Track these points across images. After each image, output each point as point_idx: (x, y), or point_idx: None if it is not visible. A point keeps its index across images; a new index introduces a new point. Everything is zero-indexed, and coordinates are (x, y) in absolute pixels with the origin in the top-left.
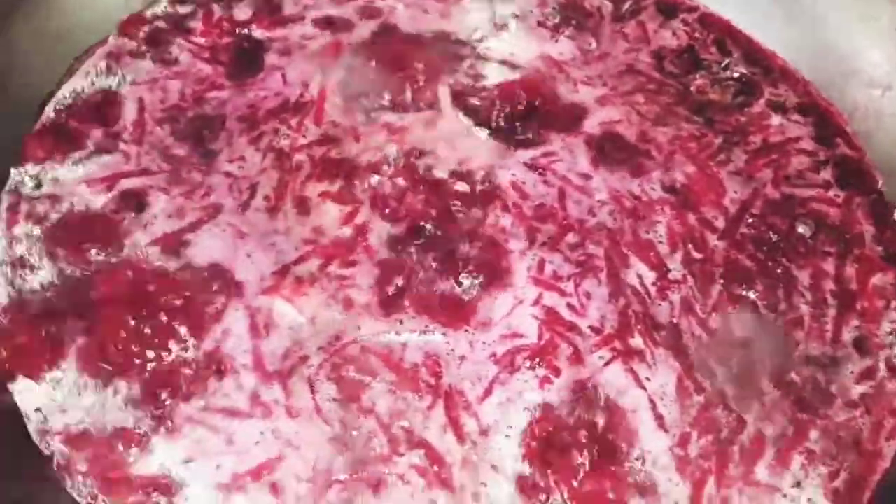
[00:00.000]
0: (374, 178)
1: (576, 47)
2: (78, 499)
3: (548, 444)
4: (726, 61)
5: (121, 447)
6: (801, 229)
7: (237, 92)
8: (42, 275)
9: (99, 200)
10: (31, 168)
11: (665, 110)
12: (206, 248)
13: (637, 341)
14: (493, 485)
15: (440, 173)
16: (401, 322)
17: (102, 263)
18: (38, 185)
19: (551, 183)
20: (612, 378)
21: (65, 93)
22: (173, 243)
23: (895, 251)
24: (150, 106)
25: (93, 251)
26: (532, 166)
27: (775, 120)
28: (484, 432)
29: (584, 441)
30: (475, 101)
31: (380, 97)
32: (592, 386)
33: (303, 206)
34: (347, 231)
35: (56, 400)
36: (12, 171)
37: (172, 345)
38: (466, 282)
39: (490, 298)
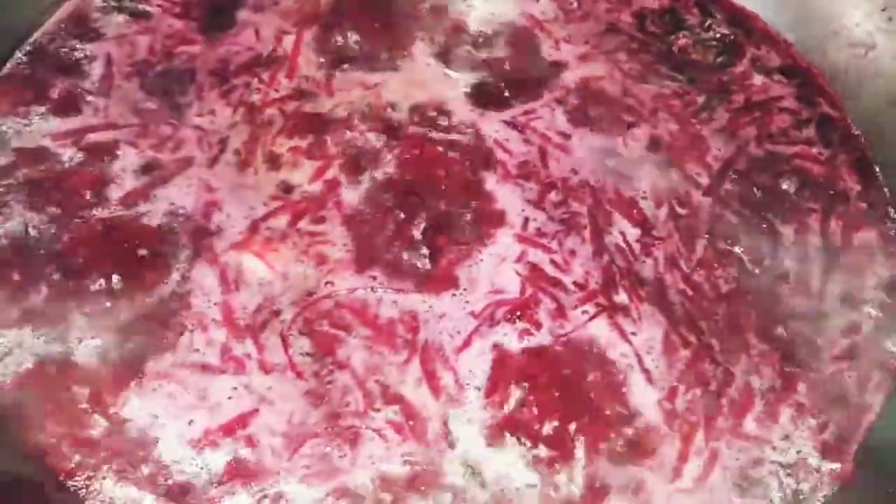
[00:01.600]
0: (347, 134)
1: (557, 7)
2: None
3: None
4: (708, 22)
5: (87, 399)
6: (785, 185)
7: (208, 47)
8: (9, 227)
9: (66, 154)
10: None
11: (647, 68)
12: (176, 201)
13: (622, 297)
14: (465, 437)
15: (417, 129)
16: (374, 278)
17: (70, 217)
18: (1, 140)
19: (531, 141)
20: (597, 332)
21: (30, 45)
22: (142, 197)
23: (879, 208)
24: (118, 60)
25: (60, 204)
26: (512, 124)
27: (757, 80)
28: (460, 385)
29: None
30: (453, 57)
31: (355, 52)
32: (575, 339)
33: (273, 161)
34: (318, 187)
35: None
36: None
37: (140, 296)
38: (445, 248)
39: (472, 257)
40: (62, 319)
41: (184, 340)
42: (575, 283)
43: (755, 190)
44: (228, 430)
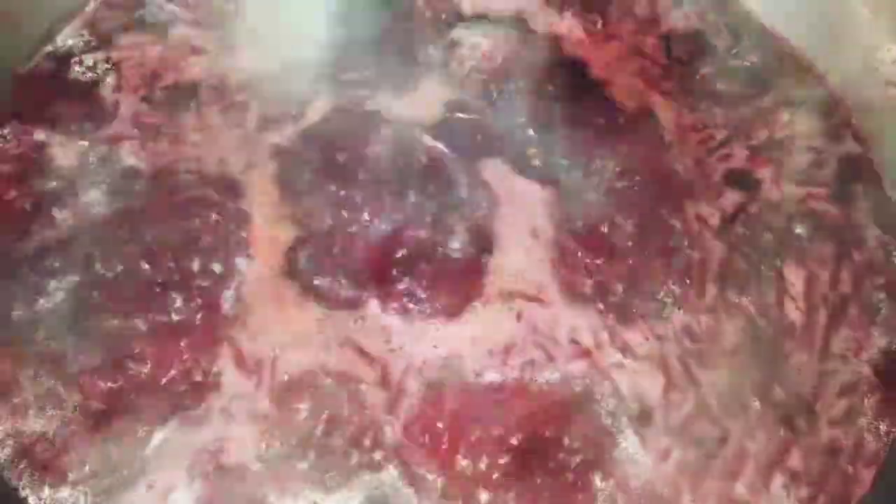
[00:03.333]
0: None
1: (581, 25)
2: None
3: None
4: (736, 49)
5: None
6: (798, 230)
7: (214, 59)
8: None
9: (70, 159)
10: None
11: (668, 98)
12: None
13: (618, 354)
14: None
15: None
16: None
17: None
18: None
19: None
20: (592, 386)
21: (41, 57)
22: None
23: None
24: (126, 71)
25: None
26: None
27: (782, 114)
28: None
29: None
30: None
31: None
32: (566, 392)
33: None
34: None
35: None
36: None
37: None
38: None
39: (474, 305)
40: None
41: None
42: (572, 339)
43: (767, 233)
44: None
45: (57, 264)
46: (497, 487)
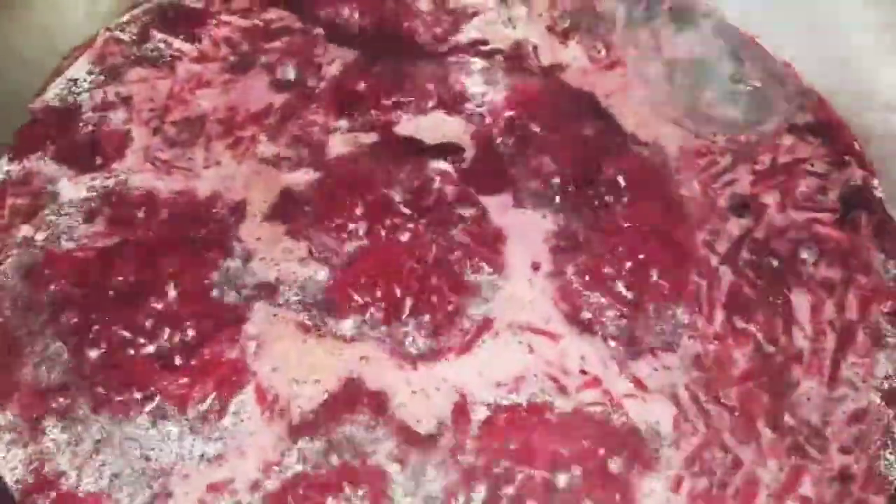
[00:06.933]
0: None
1: (584, 53)
2: None
3: None
4: (738, 74)
5: None
6: (804, 255)
7: (222, 91)
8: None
9: (80, 192)
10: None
11: (674, 124)
12: None
13: (628, 384)
14: None
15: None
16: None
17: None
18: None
19: None
20: (601, 417)
21: (50, 94)
22: None
23: None
24: (136, 105)
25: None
26: None
27: (786, 139)
28: None
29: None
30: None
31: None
32: (576, 422)
33: None
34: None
35: None
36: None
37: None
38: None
39: (484, 339)
40: None
41: None
42: (581, 369)
43: (772, 259)
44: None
45: (68, 294)
46: None
